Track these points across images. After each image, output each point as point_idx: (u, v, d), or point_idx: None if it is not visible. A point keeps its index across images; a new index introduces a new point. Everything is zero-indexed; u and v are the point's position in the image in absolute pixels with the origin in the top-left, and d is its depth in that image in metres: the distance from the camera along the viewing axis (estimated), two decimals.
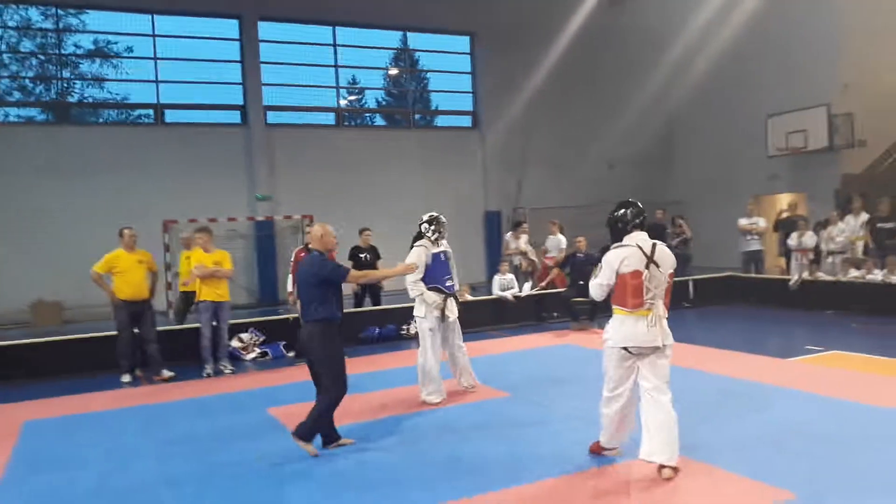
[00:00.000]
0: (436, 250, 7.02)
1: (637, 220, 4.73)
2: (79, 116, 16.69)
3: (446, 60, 19.96)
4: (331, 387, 5.30)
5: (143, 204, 15.37)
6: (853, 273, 11.20)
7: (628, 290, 4.55)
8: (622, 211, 4.77)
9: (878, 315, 10.28)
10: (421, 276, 6.86)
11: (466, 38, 19.93)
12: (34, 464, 5.51)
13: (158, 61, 16.63)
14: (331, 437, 5.45)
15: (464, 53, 20.03)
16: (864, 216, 11.72)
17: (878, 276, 10.66)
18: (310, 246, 5.61)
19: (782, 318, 11.17)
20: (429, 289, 6.88)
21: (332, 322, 5.39)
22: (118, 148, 15.82)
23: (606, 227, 4.87)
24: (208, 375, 8.71)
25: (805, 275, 11.66)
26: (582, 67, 19.28)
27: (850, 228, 11.92)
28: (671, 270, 4.66)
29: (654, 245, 4.65)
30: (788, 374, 7.21)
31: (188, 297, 9.79)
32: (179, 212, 15.55)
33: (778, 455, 4.81)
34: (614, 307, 4.68)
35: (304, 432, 5.22)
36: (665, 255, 4.65)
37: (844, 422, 5.47)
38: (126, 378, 8.50)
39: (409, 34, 19.52)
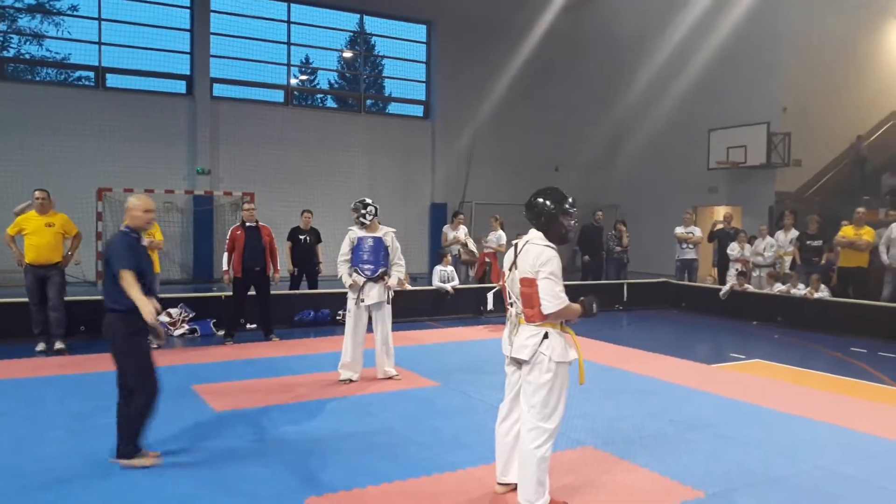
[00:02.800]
0: (363, 234, 7.03)
1: (532, 214, 4.04)
2: (14, 73, 15.96)
3: (402, 48, 19.82)
4: (141, 386, 4.56)
5: (77, 168, 14.85)
6: (778, 287, 11.60)
7: (504, 292, 4.15)
8: (529, 201, 4.09)
9: (799, 328, 10.69)
10: (347, 258, 7.12)
11: (423, 27, 19.83)
12: None
13: (103, 23, 16.03)
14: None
15: (420, 42, 19.93)
16: (794, 233, 12.14)
17: (801, 291, 11.06)
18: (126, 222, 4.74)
19: (710, 325, 11.51)
20: (351, 271, 7.02)
21: (131, 312, 4.48)
22: (55, 109, 15.20)
23: None
24: None
25: (733, 285, 12.00)
26: (536, 68, 19.40)
27: (779, 244, 12.33)
28: (525, 276, 3.86)
29: (525, 244, 3.97)
30: (710, 379, 7.42)
31: None
32: (115, 180, 15.06)
33: (691, 454, 4.93)
34: None
35: (127, 451, 4.51)
36: (527, 258, 3.87)
37: (758, 426, 5.64)
38: (40, 346, 8.16)
39: (365, 17, 19.29)
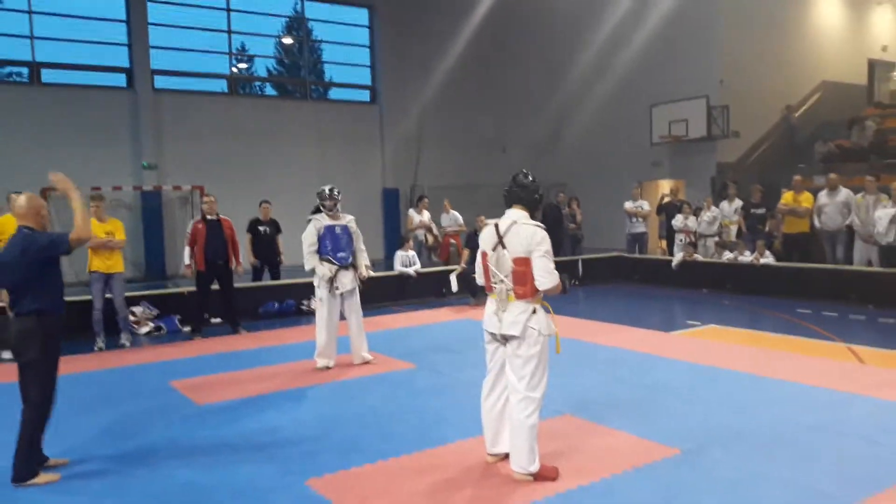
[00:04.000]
0: (329, 223, 7.11)
1: (521, 196, 4.23)
2: None
3: (345, 32, 19.72)
4: (40, 398, 4.31)
5: (16, 169, 14.35)
6: (726, 255, 12.13)
7: (482, 271, 4.31)
8: (509, 184, 4.29)
9: (747, 294, 11.23)
10: (315, 248, 7.09)
11: (365, 11, 19.76)
12: None
13: (34, 15, 15.50)
14: (39, 459, 4.44)
15: (362, 26, 19.86)
16: (738, 202, 12.68)
17: (748, 258, 11.60)
18: (21, 223, 4.50)
19: (664, 295, 11.97)
20: (322, 261, 7.04)
21: (53, 315, 4.39)
22: None
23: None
24: (100, 349, 8.37)
25: (684, 256, 12.49)
26: (479, 50, 19.58)
27: (724, 213, 12.86)
28: (518, 255, 4.04)
29: (512, 224, 4.13)
30: (670, 345, 7.80)
31: None
32: None
33: (662, 416, 5.25)
34: None
35: (22, 474, 4.24)
36: (518, 238, 4.05)
37: (720, 386, 6.01)
38: (6, 355, 7.99)
39: (306, 3, 19.11)
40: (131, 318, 9.34)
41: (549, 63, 20.92)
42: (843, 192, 11.06)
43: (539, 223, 4.15)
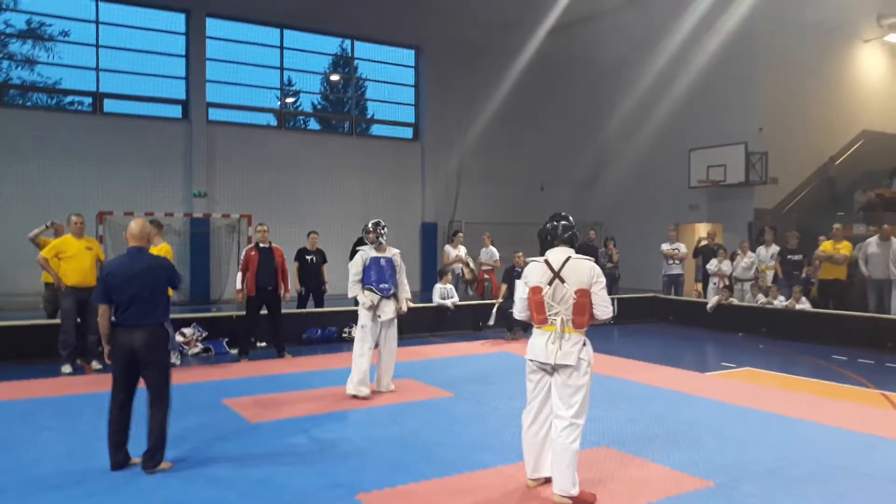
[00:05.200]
0: (375, 255, 7.44)
1: (566, 235, 4.58)
2: (9, 99, 16.24)
3: (391, 71, 20.39)
4: (167, 399, 5.01)
5: (76, 194, 15.09)
6: (761, 299, 12.21)
7: (532, 306, 4.52)
8: (552, 224, 4.62)
9: (783, 339, 11.28)
10: (359, 277, 7.38)
11: (412, 52, 20.43)
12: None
13: (101, 49, 16.39)
14: (126, 458, 4.97)
15: (409, 66, 20.52)
16: (775, 248, 12.79)
17: (782, 302, 11.67)
18: (133, 244, 5.06)
19: (698, 337, 12.06)
20: (364, 290, 7.33)
21: (167, 327, 5.06)
22: (51, 134, 15.48)
23: (538, 238, 4.73)
24: None
25: (719, 299, 12.59)
26: (522, 90, 20.02)
27: (760, 258, 12.96)
28: (581, 287, 4.36)
29: (567, 260, 4.44)
30: (706, 386, 7.94)
31: (55, 289, 9.13)
32: (115, 204, 15.36)
33: (696, 451, 5.42)
34: None
35: (157, 459, 4.89)
36: (576, 271, 4.39)
37: (753, 426, 6.15)
38: (67, 369, 8.42)
39: (356, 42, 19.84)
40: (181, 338, 9.77)
41: (591, 105, 21.34)
42: (895, 242, 11.13)
43: (590, 258, 4.51)
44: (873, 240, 11.40)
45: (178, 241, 16.59)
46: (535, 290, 4.50)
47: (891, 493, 4.59)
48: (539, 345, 4.46)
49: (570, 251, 4.54)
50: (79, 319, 8.56)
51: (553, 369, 4.41)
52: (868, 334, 10.49)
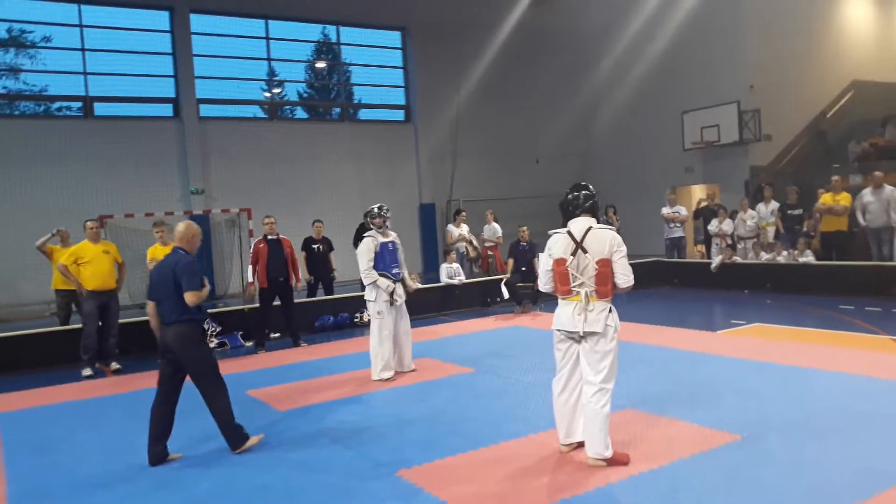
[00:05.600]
0: (384, 240, 7.51)
1: (587, 204, 4.62)
2: None
3: (379, 55, 20.29)
4: (216, 389, 5.19)
5: (75, 199, 15.10)
6: (764, 256, 12.34)
7: (556, 277, 4.58)
8: (573, 194, 4.67)
9: (789, 293, 11.43)
10: (372, 264, 7.38)
11: (398, 34, 20.35)
12: (36, 448, 5.65)
13: (87, 52, 16.29)
14: (164, 453, 5.11)
15: (396, 48, 20.43)
16: (775, 204, 12.89)
17: (786, 258, 11.80)
18: (175, 244, 5.35)
19: (706, 297, 12.21)
20: (379, 275, 7.37)
21: (201, 322, 5.30)
22: (42, 141, 15.40)
23: (559, 209, 4.78)
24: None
25: (723, 258, 12.72)
26: (509, 63, 20.00)
27: (760, 215, 13.08)
28: (602, 257, 4.43)
29: (588, 230, 4.50)
30: (718, 344, 8.08)
31: (67, 295, 9.33)
32: (115, 206, 15.37)
33: (718, 407, 5.55)
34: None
35: (236, 442, 5.17)
36: (597, 241, 4.46)
37: (770, 379, 6.29)
38: (87, 371, 8.50)
39: (341, 28, 19.73)
40: None
41: (579, 75, 21.33)
42: (888, 190, 11.24)
43: (611, 227, 4.54)
44: (867, 190, 11.51)
45: None
46: (560, 262, 4.57)
47: None
48: (566, 314, 4.55)
49: (591, 221, 4.60)
50: (100, 323, 8.65)
51: (581, 337, 4.52)
52: (873, 283, 10.64)
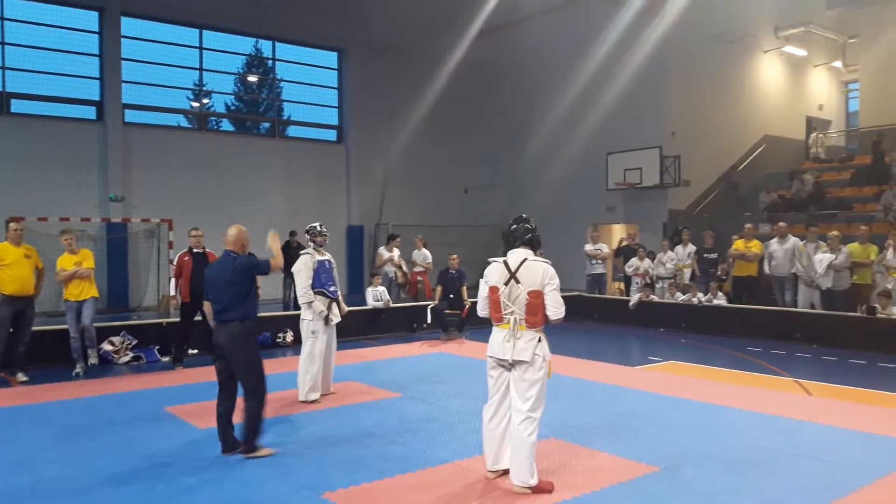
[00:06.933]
0: (320, 258, 7.48)
1: (526, 237, 4.76)
2: None
3: (314, 73, 20.24)
4: (257, 389, 5.35)
5: None
6: (680, 296, 12.88)
7: (490, 304, 4.72)
8: (514, 226, 4.81)
9: (701, 332, 11.96)
10: (310, 282, 7.30)
11: (335, 54, 20.37)
12: None
13: (6, 47, 15.59)
14: (233, 445, 5.39)
15: (331, 69, 20.43)
16: (692, 247, 13.51)
17: (701, 299, 12.36)
18: (227, 248, 5.56)
19: (624, 333, 12.62)
20: (315, 294, 7.32)
21: (253, 321, 5.48)
22: None
23: (502, 238, 4.92)
24: (77, 376, 8.55)
25: (641, 297, 13.19)
26: (447, 94, 20.22)
27: (678, 257, 13.67)
28: (533, 288, 4.54)
29: (523, 261, 4.63)
30: (637, 379, 8.37)
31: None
32: (27, 209, 14.58)
33: (637, 439, 5.75)
34: None
35: (249, 446, 5.30)
36: (531, 273, 4.58)
37: (685, 414, 6.57)
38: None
39: (277, 44, 19.59)
40: (110, 347, 9.49)
41: (514, 110, 21.89)
42: (792, 241, 11.95)
43: (547, 260, 4.67)
44: (774, 240, 12.22)
45: (94, 246, 15.88)
46: (493, 290, 4.70)
47: (818, 471, 5.02)
48: (497, 342, 4.65)
49: (528, 253, 4.73)
50: (11, 330, 8.21)
51: (511, 365, 4.61)
52: (779, 327, 11.25)
